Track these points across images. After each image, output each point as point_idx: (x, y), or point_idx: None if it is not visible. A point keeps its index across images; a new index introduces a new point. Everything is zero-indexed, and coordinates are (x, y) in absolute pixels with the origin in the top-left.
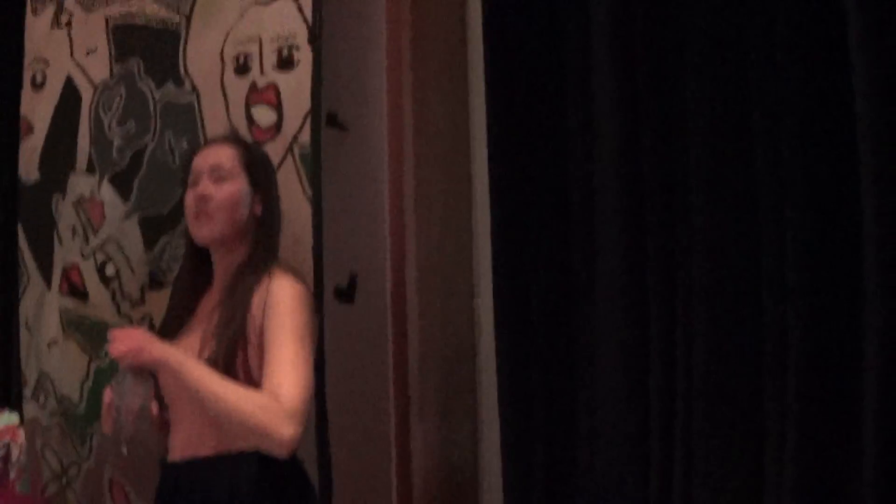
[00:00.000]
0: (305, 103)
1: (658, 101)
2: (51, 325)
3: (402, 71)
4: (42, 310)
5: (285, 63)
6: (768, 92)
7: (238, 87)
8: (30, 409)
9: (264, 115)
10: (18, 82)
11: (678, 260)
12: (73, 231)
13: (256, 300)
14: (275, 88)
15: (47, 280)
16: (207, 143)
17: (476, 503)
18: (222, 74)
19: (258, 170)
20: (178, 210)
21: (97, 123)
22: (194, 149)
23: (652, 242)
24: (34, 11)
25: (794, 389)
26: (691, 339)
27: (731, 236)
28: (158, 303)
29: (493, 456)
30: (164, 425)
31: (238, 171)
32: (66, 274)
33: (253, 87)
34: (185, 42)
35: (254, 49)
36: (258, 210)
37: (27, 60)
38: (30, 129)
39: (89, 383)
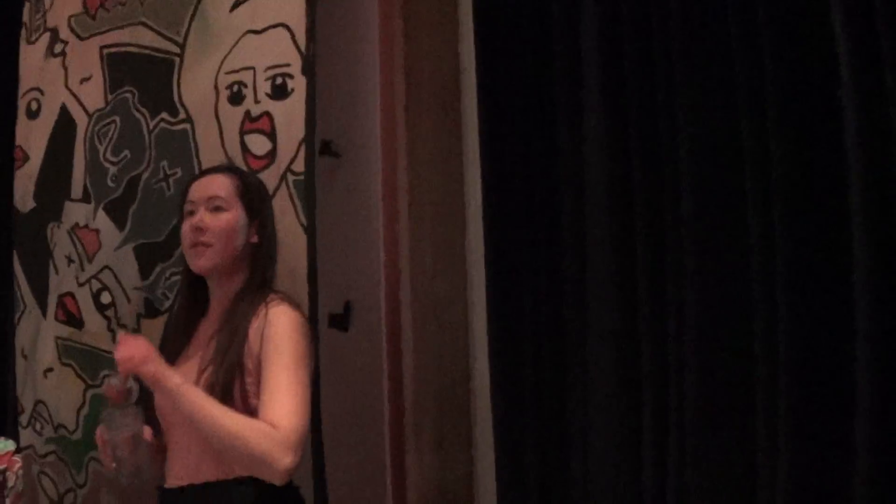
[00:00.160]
0: (299, 131)
1: (648, 102)
2: (47, 353)
3: (396, 99)
4: (38, 337)
5: (279, 91)
6: (757, 92)
7: (232, 116)
8: (26, 436)
9: (258, 144)
10: (13, 111)
11: (670, 277)
12: (69, 259)
13: (254, 328)
14: (269, 117)
15: (43, 308)
16: (203, 172)
17: None
18: (216, 103)
19: (254, 199)
20: (173, 238)
21: (92, 152)
22: (190, 178)
23: (643, 270)
24: (29, 40)
25: (785, 391)
26: (683, 356)
27: (721, 238)
28: (154, 330)
29: (488, 483)
30: (161, 449)
31: (234, 200)
32: (61, 302)
33: (247, 115)
34: (180, 71)
35: (248, 77)
36: (254, 239)
37: (22, 89)
38: (25, 158)
39: (85, 410)
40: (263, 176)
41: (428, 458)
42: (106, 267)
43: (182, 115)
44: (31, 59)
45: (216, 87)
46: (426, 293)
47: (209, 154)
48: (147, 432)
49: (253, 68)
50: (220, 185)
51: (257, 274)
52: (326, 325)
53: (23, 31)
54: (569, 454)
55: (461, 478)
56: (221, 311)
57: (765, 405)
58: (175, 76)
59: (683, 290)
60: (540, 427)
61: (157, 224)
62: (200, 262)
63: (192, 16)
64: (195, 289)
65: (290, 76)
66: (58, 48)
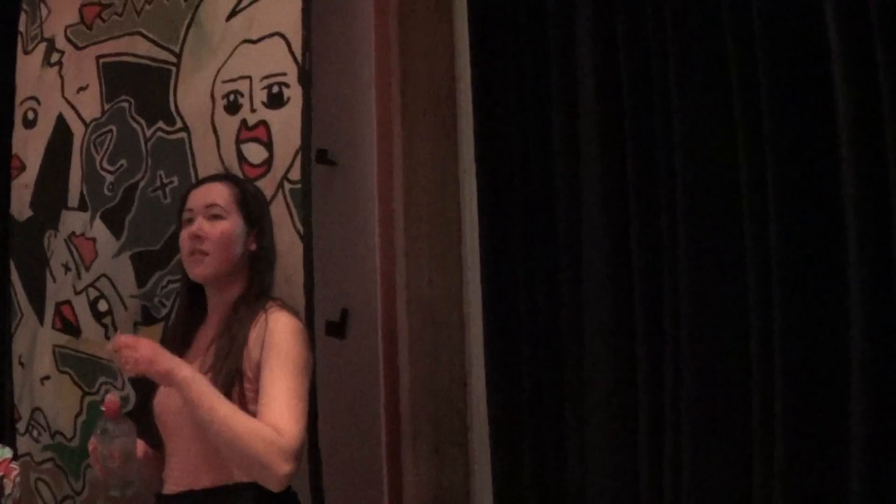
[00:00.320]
0: (295, 140)
1: (643, 103)
2: (44, 361)
3: (392, 107)
4: (35, 345)
5: (275, 100)
6: (752, 92)
7: (228, 125)
8: (24, 443)
9: (255, 152)
10: (10, 120)
11: (665, 279)
12: (66, 267)
13: (253, 335)
14: (265, 125)
15: (40, 316)
16: (202, 180)
17: None
18: (213, 112)
19: (252, 207)
20: (170, 246)
21: (89, 161)
22: (188, 186)
23: (638, 273)
24: (25, 50)
25: (781, 391)
26: (678, 358)
27: (717, 239)
28: (151, 338)
29: (484, 488)
30: (158, 463)
31: (232, 208)
32: (58, 310)
33: (243, 124)
34: (176, 80)
35: (244, 87)
36: (253, 247)
37: (19, 98)
38: (22, 167)
39: (83, 418)
40: (260, 184)
41: (425, 463)
42: (103, 275)
43: (179, 124)
44: (28, 68)
45: (212, 97)
46: (422, 300)
47: (206, 163)
48: (140, 447)
49: (249, 77)
50: (219, 194)
51: (256, 282)
52: (323, 332)
53: (19, 41)
54: (565, 458)
55: (458, 483)
56: (220, 319)
57: (760, 405)
58: (171, 85)
59: (679, 293)
60: (536, 432)
61: (153, 232)
62: (198, 270)
63: (189, 25)
64: (194, 296)
65: (286, 85)
66: (54, 58)
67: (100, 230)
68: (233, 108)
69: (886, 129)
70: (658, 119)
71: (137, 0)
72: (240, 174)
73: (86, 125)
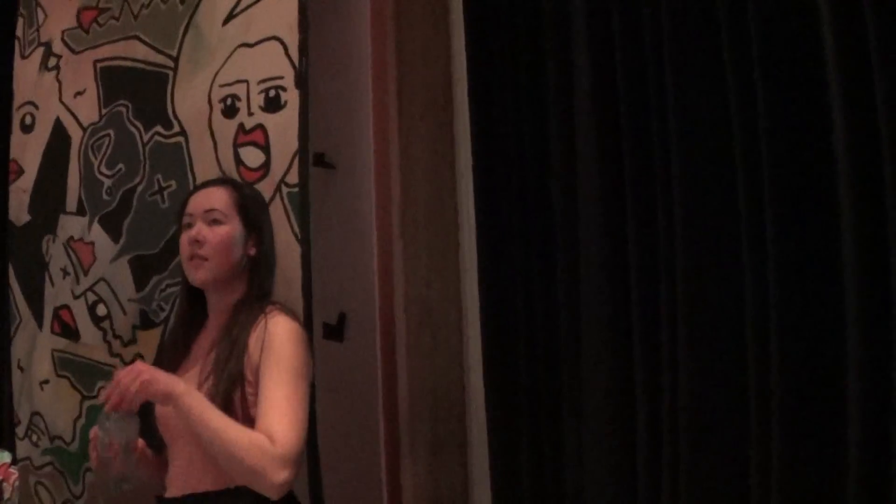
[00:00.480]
0: (293, 143)
1: (639, 104)
2: (43, 365)
3: (388, 110)
4: (34, 350)
5: (272, 104)
6: (747, 93)
7: (226, 129)
8: (23, 448)
9: (252, 156)
10: (8, 125)
11: (663, 280)
12: (64, 272)
13: (253, 338)
14: (262, 129)
15: (39, 320)
16: (201, 185)
17: None
18: (210, 116)
19: (252, 211)
20: (168, 250)
21: (86, 165)
22: (188, 191)
23: (636, 275)
24: (23, 55)
25: (778, 392)
26: (676, 360)
27: (713, 240)
28: (150, 342)
29: (483, 490)
30: (161, 465)
31: (232, 213)
32: (57, 314)
33: (241, 128)
34: (173, 84)
35: (241, 91)
36: (252, 251)
37: (16, 103)
38: (20, 171)
39: (82, 422)
40: (258, 188)
41: (423, 466)
42: (101, 279)
43: (176, 129)
44: (26, 73)
45: (210, 101)
46: (420, 303)
47: (203, 167)
48: (140, 445)
49: (246, 81)
50: (218, 198)
51: (255, 286)
52: (321, 336)
53: (17, 46)
54: (563, 461)
55: (456, 485)
56: (220, 323)
57: (758, 405)
58: (169, 89)
59: (676, 293)
60: (534, 434)
61: (151, 236)
62: (198, 275)
63: (186, 29)
64: (194, 300)
65: (284, 89)
66: (52, 62)
67: (98, 234)
68: (230, 111)
69: (882, 128)
70: (654, 119)
71: (134, 4)
72: (237, 178)
73: (83, 129)
